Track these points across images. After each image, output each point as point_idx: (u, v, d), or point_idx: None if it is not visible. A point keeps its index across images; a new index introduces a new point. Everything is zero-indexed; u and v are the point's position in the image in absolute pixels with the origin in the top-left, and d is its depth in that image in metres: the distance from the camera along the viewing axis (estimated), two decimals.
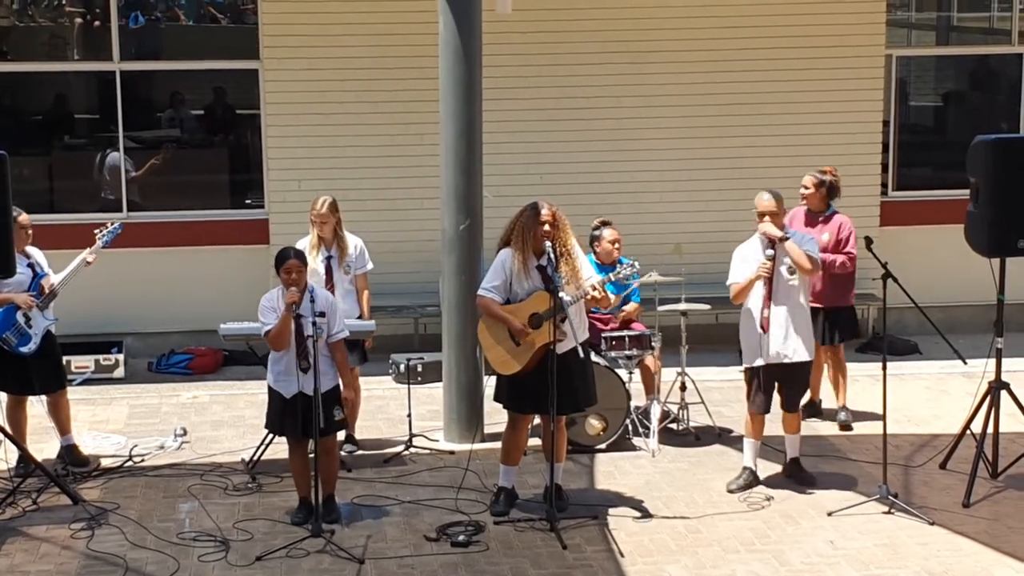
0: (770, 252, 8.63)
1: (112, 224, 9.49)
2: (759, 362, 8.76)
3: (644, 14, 12.41)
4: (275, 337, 8.10)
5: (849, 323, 10.21)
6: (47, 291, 9.12)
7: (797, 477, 8.99)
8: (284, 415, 8.22)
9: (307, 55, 12.20)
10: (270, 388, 8.33)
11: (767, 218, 8.67)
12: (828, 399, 10.38)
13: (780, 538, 8.13)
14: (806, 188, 10.05)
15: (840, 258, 9.86)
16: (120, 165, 12.37)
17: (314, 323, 7.99)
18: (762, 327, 8.70)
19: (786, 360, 8.73)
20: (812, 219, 10.03)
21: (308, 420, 8.09)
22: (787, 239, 8.65)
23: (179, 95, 12.92)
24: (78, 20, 12.59)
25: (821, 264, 9.34)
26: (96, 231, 9.40)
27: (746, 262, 8.78)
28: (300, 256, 8.24)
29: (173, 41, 12.87)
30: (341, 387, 8.34)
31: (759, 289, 8.73)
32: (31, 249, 9.20)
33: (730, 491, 8.81)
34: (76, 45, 12.73)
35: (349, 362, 9.30)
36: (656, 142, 12.60)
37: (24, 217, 9.01)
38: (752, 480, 8.90)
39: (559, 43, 12.34)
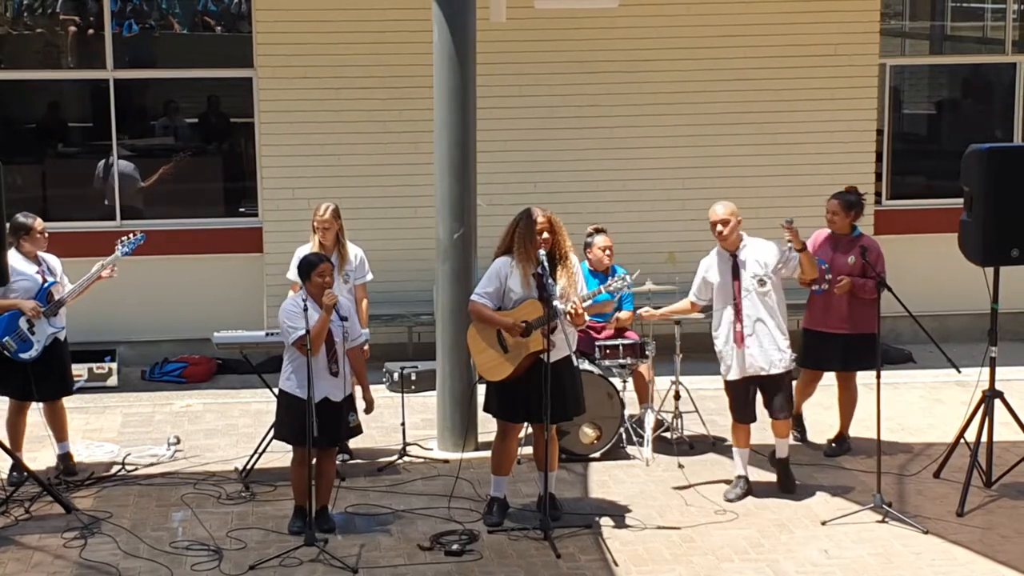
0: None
1: (134, 235, 9.47)
2: (736, 375, 8.77)
3: (638, 23, 12.42)
4: (314, 340, 7.95)
5: (867, 352, 9.39)
6: (55, 299, 9.12)
7: (783, 479, 8.99)
8: (309, 422, 7.98)
9: (301, 63, 12.21)
10: (290, 396, 8.15)
11: (789, 238, 8.64)
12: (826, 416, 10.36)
13: (774, 547, 8.13)
14: (834, 213, 9.54)
15: (870, 283, 9.29)
16: (115, 172, 12.35)
17: (343, 329, 8.10)
18: (736, 341, 8.71)
19: (763, 372, 8.74)
20: (837, 241, 9.61)
21: (330, 427, 8.05)
22: (805, 249, 8.73)
23: (173, 103, 12.92)
24: (72, 28, 12.58)
25: (850, 286, 9.34)
26: (118, 241, 9.39)
27: (707, 282, 8.85)
28: (329, 260, 8.31)
29: (167, 49, 12.87)
30: (361, 392, 8.35)
31: (727, 302, 8.74)
32: (45, 255, 9.24)
33: (728, 500, 8.80)
34: (70, 53, 12.72)
35: None
36: (650, 151, 12.61)
37: (39, 223, 9.12)
38: (748, 488, 8.90)
39: (553, 52, 12.35)
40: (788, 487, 8.98)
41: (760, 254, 8.74)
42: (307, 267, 8.20)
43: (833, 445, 9.86)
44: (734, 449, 8.98)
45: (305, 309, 7.94)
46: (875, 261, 9.47)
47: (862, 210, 9.75)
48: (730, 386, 8.86)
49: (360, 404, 8.49)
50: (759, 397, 8.92)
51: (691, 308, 9.13)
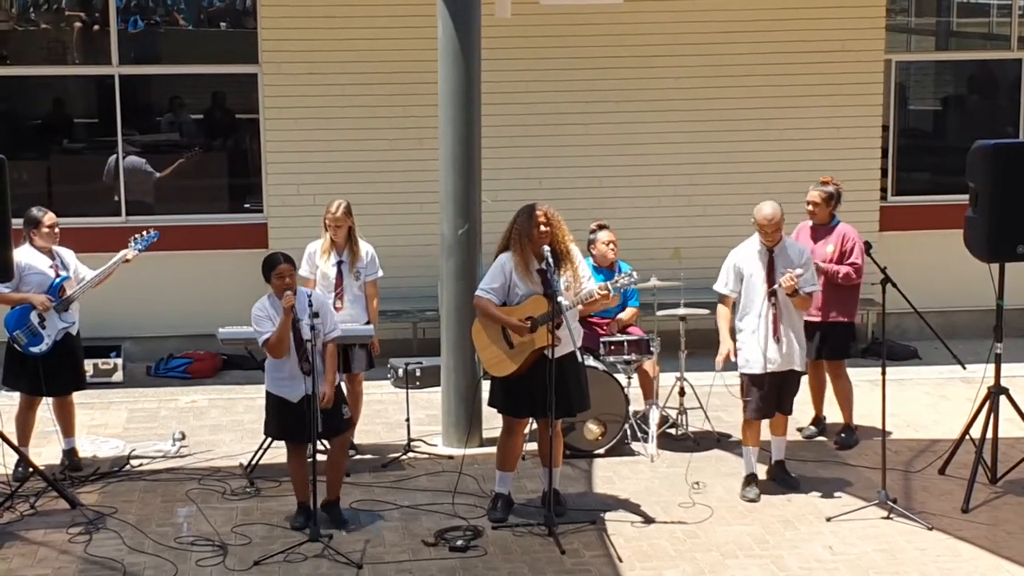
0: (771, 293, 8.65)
1: (147, 232, 9.46)
2: (760, 369, 8.70)
3: (643, 19, 12.41)
4: (276, 344, 8.03)
5: (841, 341, 9.76)
6: (67, 294, 9.14)
7: (781, 480, 8.97)
8: (291, 420, 8.12)
9: (306, 59, 12.20)
10: (269, 394, 8.29)
11: (788, 283, 8.54)
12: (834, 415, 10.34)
13: (778, 543, 8.12)
14: (815, 205, 9.72)
15: (844, 269, 9.59)
16: (121, 168, 12.37)
17: (312, 326, 7.97)
18: (775, 336, 8.64)
19: (787, 368, 8.72)
20: (816, 231, 9.81)
21: (319, 422, 8.05)
22: (799, 295, 8.62)
23: (178, 99, 12.92)
24: (77, 24, 12.59)
25: (824, 275, 9.45)
26: (131, 239, 9.39)
27: (739, 273, 8.76)
28: (289, 260, 8.22)
29: (172, 45, 12.87)
30: (325, 385, 8.20)
31: (762, 298, 8.67)
32: (59, 249, 9.27)
33: (750, 501, 8.74)
34: (75, 49, 12.73)
35: (355, 367, 9.34)
36: (655, 147, 12.60)
37: (48, 218, 9.13)
38: (760, 486, 8.87)
39: (558, 48, 12.34)
40: (792, 484, 8.96)
41: (794, 256, 8.72)
42: (267, 267, 8.13)
43: (842, 435, 9.89)
44: (745, 448, 8.92)
45: (299, 306, 7.97)
46: (851, 249, 9.67)
47: (840, 200, 9.85)
48: (753, 380, 8.76)
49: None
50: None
51: (728, 306, 8.90)
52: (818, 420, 10.16)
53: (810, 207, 9.76)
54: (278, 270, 8.06)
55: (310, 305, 8.00)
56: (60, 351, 9.15)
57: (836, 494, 8.87)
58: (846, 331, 9.82)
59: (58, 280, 9.13)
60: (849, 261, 9.66)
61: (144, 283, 12.07)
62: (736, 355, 8.83)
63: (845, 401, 9.93)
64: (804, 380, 9.33)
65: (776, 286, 8.62)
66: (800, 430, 10.05)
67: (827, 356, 9.81)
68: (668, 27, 12.49)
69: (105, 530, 8.29)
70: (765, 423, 8.92)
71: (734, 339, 8.86)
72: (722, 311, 8.95)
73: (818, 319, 9.63)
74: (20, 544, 8.11)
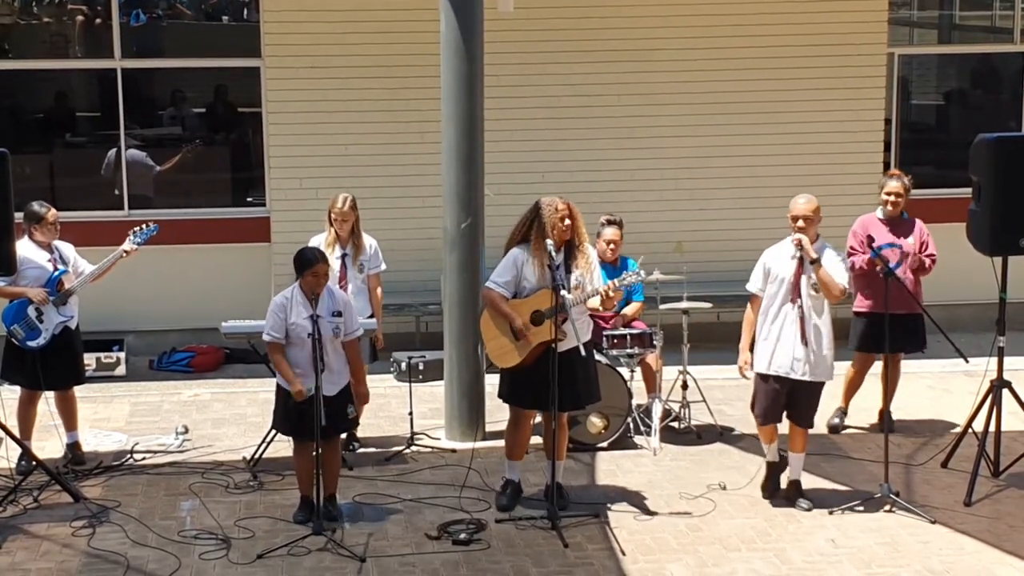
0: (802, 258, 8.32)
1: (147, 225, 9.44)
2: (781, 372, 8.38)
3: (646, 12, 12.41)
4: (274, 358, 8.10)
5: (923, 330, 9.84)
6: (65, 288, 9.14)
7: (795, 501, 8.58)
8: (299, 415, 8.09)
9: (309, 53, 12.20)
10: (280, 388, 8.24)
11: (802, 235, 8.27)
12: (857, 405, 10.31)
13: (781, 536, 8.13)
14: (899, 196, 9.68)
15: (927, 262, 9.66)
16: (124, 162, 12.37)
17: (334, 325, 8.06)
18: (803, 340, 8.30)
19: (806, 378, 8.36)
20: (893, 225, 9.72)
21: (327, 418, 8.05)
22: (819, 262, 8.26)
23: (180, 93, 12.92)
24: (80, 18, 12.59)
25: (921, 268, 9.46)
26: (130, 232, 9.38)
27: (767, 272, 8.45)
28: (326, 259, 8.21)
29: (175, 39, 12.87)
30: (352, 384, 8.32)
31: (786, 297, 8.36)
32: (59, 243, 9.27)
33: (765, 496, 8.68)
34: (78, 43, 12.73)
35: None
36: (658, 140, 12.60)
37: (52, 213, 9.13)
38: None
39: (561, 41, 12.34)
40: (803, 508, 8.51)
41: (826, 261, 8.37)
42: (303, 263, 8.08)
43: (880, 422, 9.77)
44: (764, 445, 8.70)
45: (317, 303, 7.96)
46: (928, 240, 9.78)
47: None
48: (762, 378, 8.47)
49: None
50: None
51: (756, 308, 8.54)
52: (843, 411, 10.14)
53: (893, 198, 9.72)
54: (314, 269, 8.03)
55: (321, 313, 8.05)
56: (58, 345, 9.15)
57: (839, 487, 8.88)
58: (922, 321, 9.75)
59: (56, 274, 9.13)
60: (927, 252, 9.73)
61: (147, 277, 12.09)
62: (750, 365, 8.53)
63: (893, 389, 9.82)
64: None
65: (796, 246, 8.28)
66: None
67: (914, 348, 9.86)
68: (670, 21, 12.49)
69: (108, 524, 8.30)
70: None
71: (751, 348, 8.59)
72: (748, 316, 8.59)
73: (904, 312, 9.44)
74: (23, 538, 8.11)
